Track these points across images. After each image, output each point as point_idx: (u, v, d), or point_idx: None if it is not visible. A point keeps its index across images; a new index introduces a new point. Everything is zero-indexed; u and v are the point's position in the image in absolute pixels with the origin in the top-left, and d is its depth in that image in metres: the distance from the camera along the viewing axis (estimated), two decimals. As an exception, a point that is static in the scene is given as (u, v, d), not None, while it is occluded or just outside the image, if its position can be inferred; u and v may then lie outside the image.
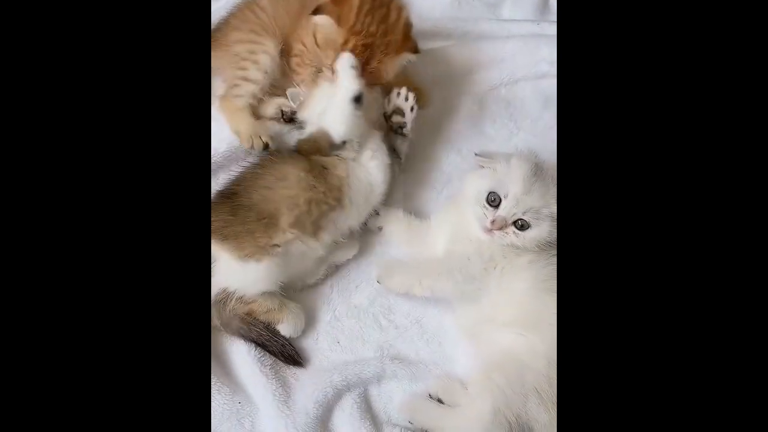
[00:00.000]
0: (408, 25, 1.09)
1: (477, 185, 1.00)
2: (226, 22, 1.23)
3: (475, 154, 1.07)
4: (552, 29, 1.46)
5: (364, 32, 1.04)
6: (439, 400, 0.95)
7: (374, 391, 1.00)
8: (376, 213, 1.12)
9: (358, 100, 1.01)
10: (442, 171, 1.24)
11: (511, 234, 0.95)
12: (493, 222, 0.95)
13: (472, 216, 0.99)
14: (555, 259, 0.96)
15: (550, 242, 0.97)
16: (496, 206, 0.96)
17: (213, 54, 1.20)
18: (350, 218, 1.05)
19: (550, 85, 1.38)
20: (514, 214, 0.95)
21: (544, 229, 0.95)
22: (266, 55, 1.15)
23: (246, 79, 1.15)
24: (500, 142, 1.30)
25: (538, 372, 0.86)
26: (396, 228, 1.12)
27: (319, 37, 1.06)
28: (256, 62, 1.15)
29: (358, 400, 0.98)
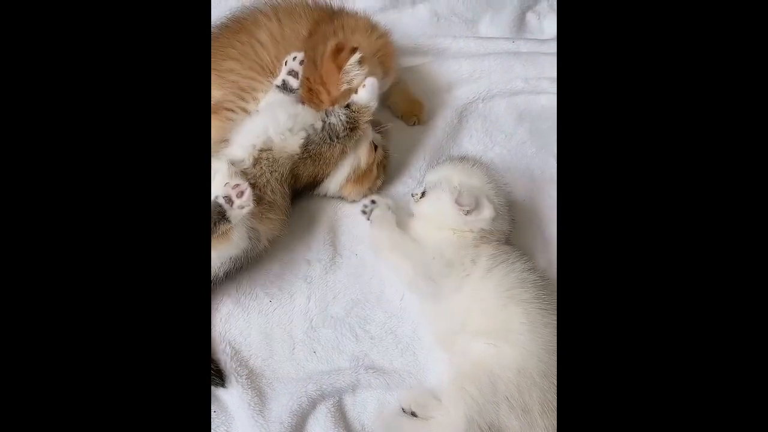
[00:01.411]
0: (332, 51, 1.14)
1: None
2: (220, 45, 1.25)
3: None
4: (527, 47, 1.51)
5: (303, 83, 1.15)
6: (413, 413, 0.96)
7: (349, 401, 1.01)
8: (372, 202, 1.18)
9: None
10: (421, 184, 1.26)
11: (414, 201, 1.11)
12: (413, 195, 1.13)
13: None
14: (512, 267, 1.01)
15: (453, 218, 1.04)
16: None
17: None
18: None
19: (524, 101, 1.43)
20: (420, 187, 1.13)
21: (430, 198, 1.07)
22: (264, 95, 1.20)
23: (244, 110, 1.20)
24: (476, 156, 1.33)
25: (508, 381, 0.88)
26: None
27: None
28: (256, 99, 1.20)
29: (332, 410, 0.98)
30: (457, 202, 1.02)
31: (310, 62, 1.16)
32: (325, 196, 1.21)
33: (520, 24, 1.61)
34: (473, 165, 1.11)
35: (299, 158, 1.10)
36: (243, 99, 1.21)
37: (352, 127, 1.12)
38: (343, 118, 1.11)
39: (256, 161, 1.06)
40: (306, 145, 1.10)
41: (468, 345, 0.96)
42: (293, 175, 1.12)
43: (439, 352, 1.04)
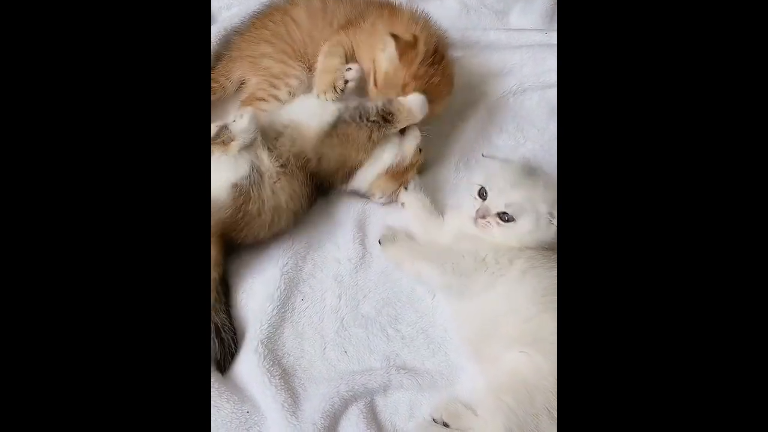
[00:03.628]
0: (453, 77, 1.19)
1: (473, 180, 1.09)
2: (254, 28, 1.26)
3: (482, 155, 1.19)
4: (560, 38, 1.47)
5: (425, 80, 1.14)
6: (445, 424, 0.95)
7: (380, 402, 1.01)
8: (404, 188, 1.18)
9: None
10: (449, 180, 1.25)
11: (494, 224, 1.01)
12: (477, 211, 1.01)
13: (469, 208, 1.05)
14: (549, 273, 0.98)
15: (539, 242, 1.01)
16: (485, 199, 1.03)
17: (236, 63, 1.24)
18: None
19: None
20: (497, 206, 1.01)
21: (526, 224, 1.00)
22: (297, 80, 1.20)
23: (276, 98, 1.21)
24: (507, 152, 1.31)
25: (546, 390, 0.87)
26: (416, 208, 1.17)
27: (383, 65, 1.14)
28: (288, 85, 1.22)
29: (364, 410, 0.98)
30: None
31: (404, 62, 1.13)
32: (356, 192, 1.20)
33: (552, 14, 1.56)
34: (547, 178, 1.06)
35: (326, 135, 1.11)
36: (275, 86, 1.21)
37: (386, 118, 1.12)
38: (379, 105, 1.12)
39: (279, 134, 1.10)
40: (335, 123, 1.11)
41: (500, 353, 0.94)
42: (318, 156, 1.12)
43: (471, 360, 1.02)
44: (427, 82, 1.14)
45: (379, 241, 1.13)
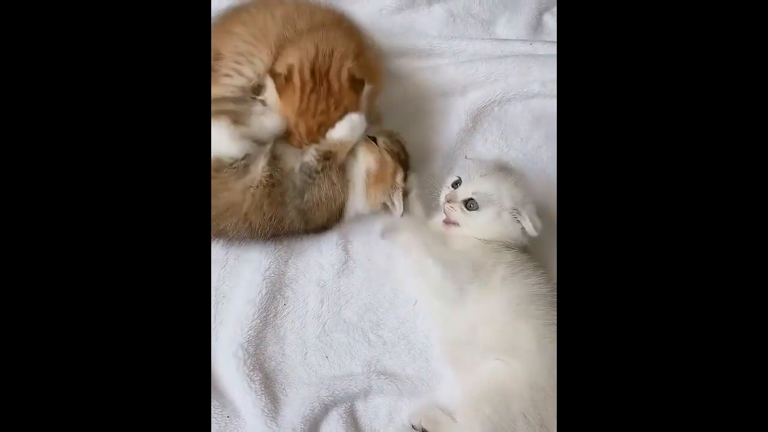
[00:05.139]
0: (351, 80, 1.08)
1: (452, 175, 1.13)
2: (236, 11, 1.24)
3: (466, 157, 1.25)
4: (544, 49, 1.49)
5: (314, 113, 1.06)
6: (423, 430, 0.95)
7: (360, 407, 1.01)
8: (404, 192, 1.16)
9: None
10: (434, 189, 1.25)
11: (459, 210, 1.05)
12: (446, 196, 1.07)
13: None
14: (528, 281, 1.00)
15: (502, 237, 1.04)
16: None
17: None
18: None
19: (540, 105, 1.41)
20: (465, 193, 1.06)
21: (488, 214, 1.04)
22: (262, 63, 1.17)
23: (239, 73, 1.18)
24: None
25: (522, 397, 0.88)
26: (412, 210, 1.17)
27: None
28: (252, 63, 1.17)
29: (344, 416, 0.99)
30: (535, 228, 1.02)
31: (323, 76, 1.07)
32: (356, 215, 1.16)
33: (537, 25, 1.59)
34: (520, 178, 1.09)
35: (302, 205, 1.08)
36: (239, 63, 1.18)
37: (327, 156, 1.07)
38: (314, 153, 1.07)
39: (274, 158, 1.07)
40: (301, 194, 1.08)
41: (479, 361, 0.95)
42: (304, 220, 1.10)
43: (450, 367, 1.03)
44: (319, 113, 1.06)
45: (381, 237, 1.12)
